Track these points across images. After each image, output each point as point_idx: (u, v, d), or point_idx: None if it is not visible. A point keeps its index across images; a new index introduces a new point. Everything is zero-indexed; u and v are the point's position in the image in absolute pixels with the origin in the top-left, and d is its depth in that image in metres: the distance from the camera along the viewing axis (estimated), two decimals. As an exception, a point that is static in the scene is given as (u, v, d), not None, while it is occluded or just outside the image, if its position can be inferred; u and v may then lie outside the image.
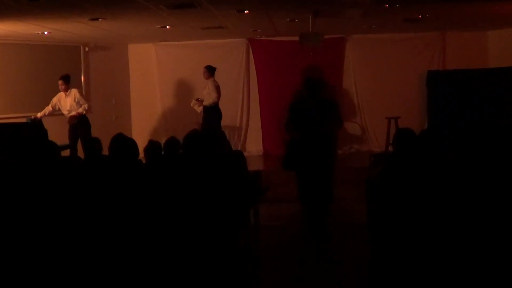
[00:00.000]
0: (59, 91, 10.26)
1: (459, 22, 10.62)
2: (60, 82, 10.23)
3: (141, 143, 5.56)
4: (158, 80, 12.77)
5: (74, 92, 10.26)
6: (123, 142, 5.17)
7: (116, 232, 4.18)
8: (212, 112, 10.94)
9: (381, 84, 12.32)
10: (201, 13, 8.21)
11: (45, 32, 9.73)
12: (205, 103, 10.99)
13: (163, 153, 5.88)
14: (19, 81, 10.61)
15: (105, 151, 5.58)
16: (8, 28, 9.07)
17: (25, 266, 3.99)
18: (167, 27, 9.72)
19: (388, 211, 4.98)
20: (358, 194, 6.36)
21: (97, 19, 8.43)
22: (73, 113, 10.14)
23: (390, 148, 7.49)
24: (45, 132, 9.05)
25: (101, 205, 4.32)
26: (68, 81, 10.27)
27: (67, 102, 10.25)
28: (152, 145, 5.92)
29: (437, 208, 4.61)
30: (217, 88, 10.98)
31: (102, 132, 8.39)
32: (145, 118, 12.83)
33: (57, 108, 10.33)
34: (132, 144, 5.21)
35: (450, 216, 4.59)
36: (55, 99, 10.36)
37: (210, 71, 11.09)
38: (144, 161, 5.74)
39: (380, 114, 11.96)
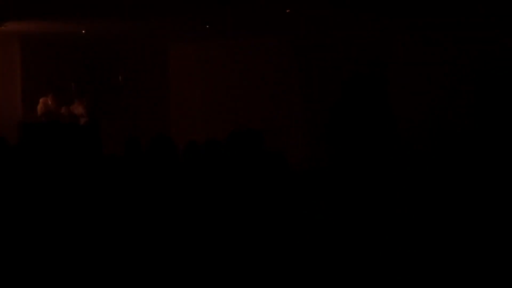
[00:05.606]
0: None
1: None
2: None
3: (180, 143, 5.51)
4: (198, 80, 12.70)
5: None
6: (162, 142, 5.18)
7: (154, 231, 4.20)
8: None
9: (424, 82, 12.01)
10: (241, 12, 8.17)
11: (83, 31, 9.72)
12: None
13: (202, 153, 5.83)
14: (55, 81, 10.37)
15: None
16: (46, 26, 9.08)
17: (75, 260, 4.02)
18: (207, 26, 9.67)
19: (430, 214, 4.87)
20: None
21: (135, 18, 8.41)
22: None
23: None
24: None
25: (141, 203, 4.35)
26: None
27: None
28: (190, 146, 5.89)
29: (485, 214, 4.53)
30: None
31: (140, 133, 8.33)
32: (184, 119, 12.77)
33: None
34: (171, 144, 5.22)
35: (500, 223, 4.49)
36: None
37: None
38: (182, 161, 5.70)
39: (422, 114, 11.70)
